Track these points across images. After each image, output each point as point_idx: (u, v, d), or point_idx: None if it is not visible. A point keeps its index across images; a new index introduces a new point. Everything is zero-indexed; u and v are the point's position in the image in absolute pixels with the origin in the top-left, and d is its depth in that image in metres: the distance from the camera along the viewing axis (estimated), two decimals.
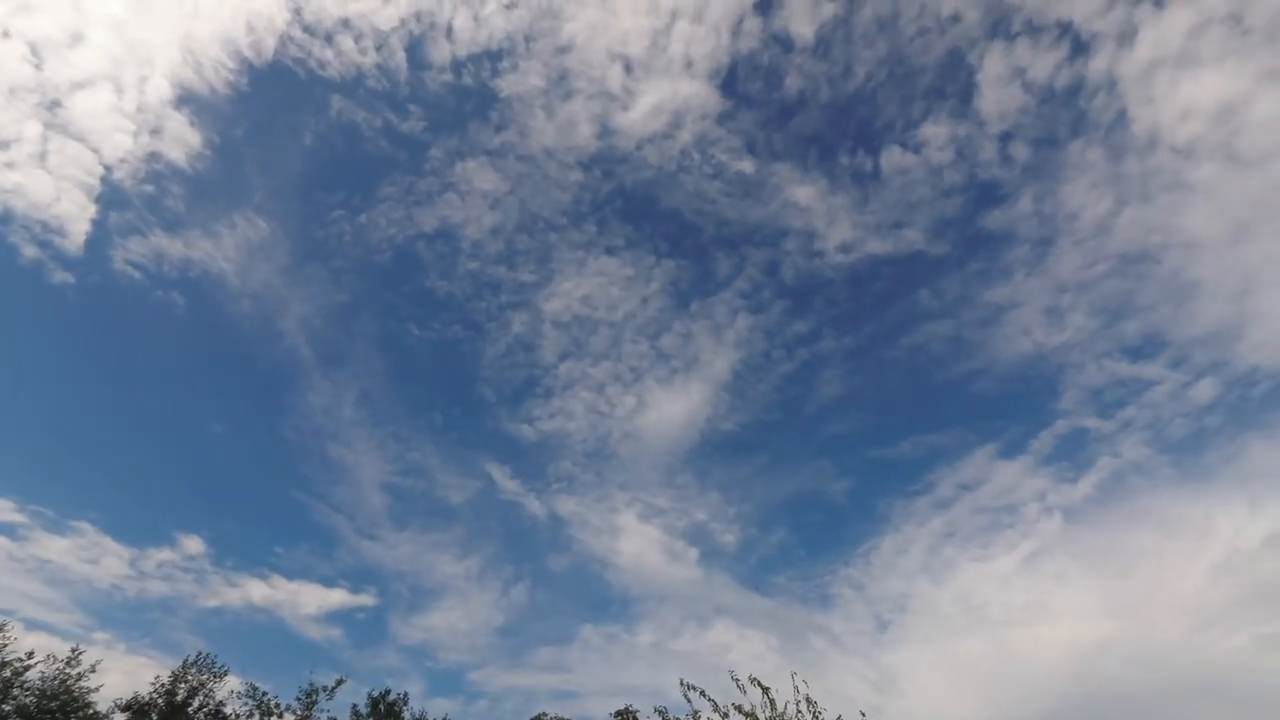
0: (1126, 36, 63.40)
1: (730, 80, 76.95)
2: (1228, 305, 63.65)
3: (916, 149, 73.91)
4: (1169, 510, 65.76)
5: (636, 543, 79.38)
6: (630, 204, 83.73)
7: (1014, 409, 75.79)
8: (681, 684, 14.68)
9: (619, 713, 14.64)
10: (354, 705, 20.44)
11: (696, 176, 79.98)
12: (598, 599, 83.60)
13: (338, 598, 72.67)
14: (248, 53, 68.62)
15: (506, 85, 75.40)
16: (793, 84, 76.42)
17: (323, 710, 18.72)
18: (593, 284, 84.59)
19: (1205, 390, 62.41)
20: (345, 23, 71.14)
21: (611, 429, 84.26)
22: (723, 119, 78.27)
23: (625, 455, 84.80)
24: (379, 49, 72.64)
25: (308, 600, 69.14)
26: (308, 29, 70.08)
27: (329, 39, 71.70)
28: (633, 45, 74.89)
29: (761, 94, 77.83)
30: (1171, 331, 66.00)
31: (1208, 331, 64.22)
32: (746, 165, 79.87)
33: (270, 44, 69.02)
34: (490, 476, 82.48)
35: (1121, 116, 64.97)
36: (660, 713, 14.65)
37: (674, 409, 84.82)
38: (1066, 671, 56.39)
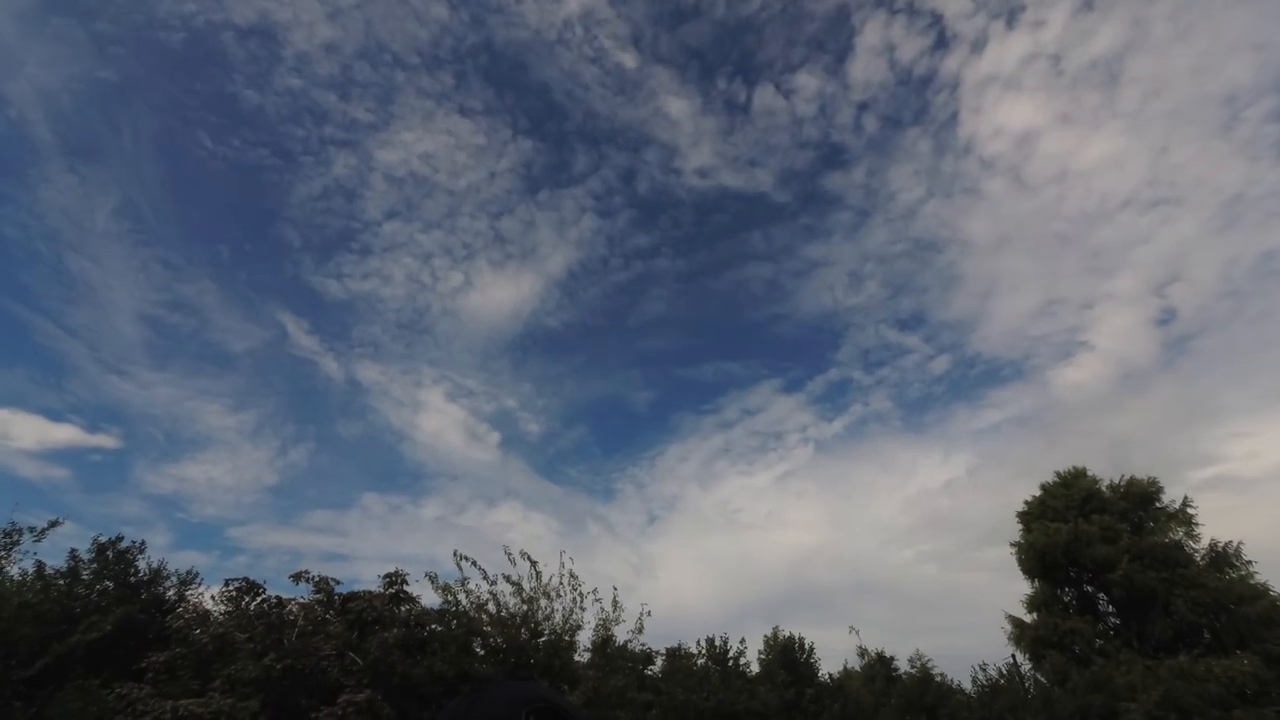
0: (978, 46, 67.97)
1: None
2: (975, 301, 76.16)
3: (787, 94, 76.11)
4: (890, 453, 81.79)
5: (439, 420, 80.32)
6: (497, 65, 76.61)
7: (803, 353, 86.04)
8: (455, 554, 15.08)
9: (388, 575, 14.82)
10: (73, 550, 16.37)
11: (575, 56, 75.82)
12: (386, 470, 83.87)
13: (66, 434, 64.71)
14: None
15: None
16: None
17: (25, 553, 15.07)
18: (438, 142, 76.90)
19: (941, 364, 75.59)
20: None
21: (432, 302, 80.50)
22: (615, 1, 74.11)
23: (442, 332, 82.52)
24: None
25: (22, 432, 60.26)
26: None
27: None
28: None
29: None
30: (933, 312, 77.53)
31: (956, 318, 76.66)
32: (629, 59, 76.71)
33: None
34: (284, 328, 75.40)
35: (954, 118, 70.94)
36: (430, 577, 14.99)
37: (502, 295, 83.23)
38: (786, 570, 69.12)
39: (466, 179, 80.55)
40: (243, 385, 78.98)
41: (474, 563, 15.07)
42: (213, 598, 14.88)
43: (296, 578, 14.17)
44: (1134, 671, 20.17)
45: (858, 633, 27.00)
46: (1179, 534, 22.91)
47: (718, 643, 22.50)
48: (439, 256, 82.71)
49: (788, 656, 22.40)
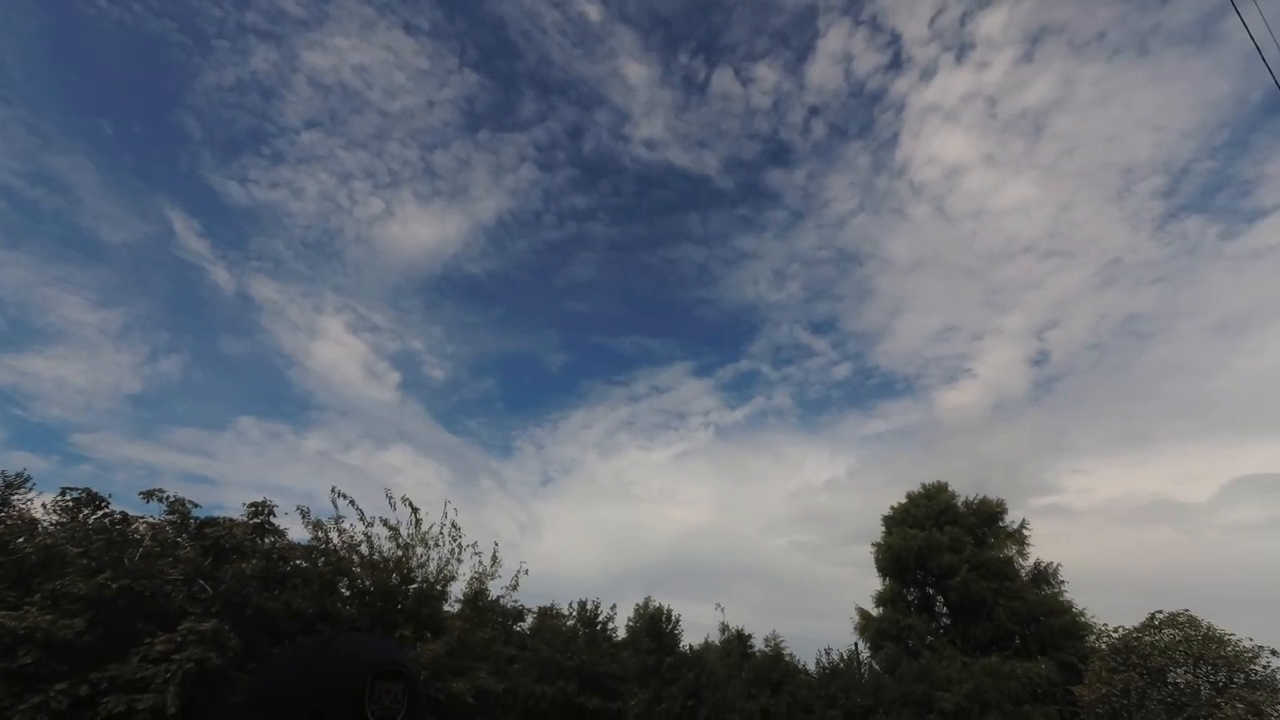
0: (928, 74, 72.27)
1: None
2: (883, 316, 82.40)
3: (746, 82, 77.50)
4: (783, 447, 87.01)
5: (336, 351, 77.44)
6: None
7: (719, 340, 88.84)
8: (333, 491, 14.41)
9: (253, 504, 13.95)
10: None
11: None
12: (270, 395, 79.89)
13: None
14: None
15: None
16: None
17: None
18: (375, 56, 71.36)
19: (843, 370, 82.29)
20: None
21: (345, 226, 76.04)
22: None
23: (353, 259, 78.68)
24: None
25: None
26: None
27: None
28: None
29: None
30: (844, 320, 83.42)
31: (865, 329, 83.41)
32: (593, 11, 74.91)
33: None
34: (170, 224, 68.91)
35: (894, 138, 75.61)
36: (301, 511, 14.25)
37: (424, 231, 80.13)
38: (670, 544, 71.53)
39: (402, 102, 75.26)
40: (113, 280, 70.83)
41: (352, 502, 14.49)
42: (44, 506, 13.43)
43: (148, 495, 13.00)
44: (952, 666, 22.63)
45: (723, 609, 28.56)
46: (1012, 551, 25.72)
47: (589, 607, 23.04)
48: (360, 179, 77.28)
49: (654, 626, 23.30)
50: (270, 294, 74.79)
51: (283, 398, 79.20)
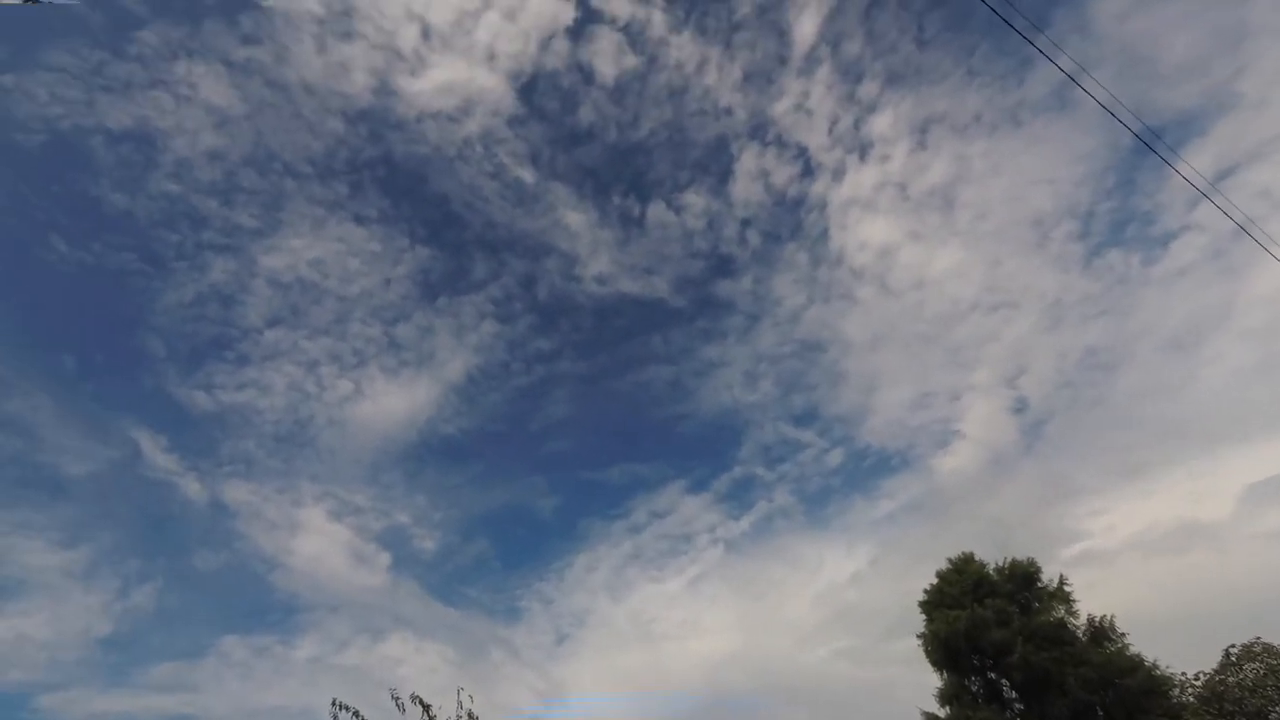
0: (838, 174, 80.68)
1: (529, 89, 76.71)
2: (860, 396, 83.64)
3: (678, 210, 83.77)
4: (796, 548, 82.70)
5: (319, 543, 73.13)
6: (395, 176, 76.98)
7: (707, 452, 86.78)
8: (333, 704, 13.01)
9: None
10: None
11: (475, 170, 76.76)
12: (253, 606, 73.66)
13: None
14: None
15: None
16: (585, 115, 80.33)
17: None
18: (329, 249, 73.83)
19: (836, 457, 78.96)
20: None
21: (316, 413, 75.12)
22: (514, 123, 76.68)
23: (326, 444, 77.01)
24: None
25: None
26: None
27: None
28: (436, 14, 70.64)
29: (556, 113, 78.62)
30: (824, 407, 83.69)
31: (846, 412, 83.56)
32: (527, 175, 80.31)
33: None
34: (136, 446, 65.28)
35: (825, 234, 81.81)
36: None
37: (396, 403, 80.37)
38: (701, 679, 65.11)
39: (360, 285, 78.62)
40: (76, 516, 67.76)
41: (356, 714, 13.04)
42: None
43: None
44: None
45: None
46: (1061, 612, 24.32)
47: None
48: (326, 364, 78.33)
49: None
50: (244, 496, 72.39)
51: (267, 606, 74.11)
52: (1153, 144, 11.01)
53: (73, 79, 57.43)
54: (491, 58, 75.82)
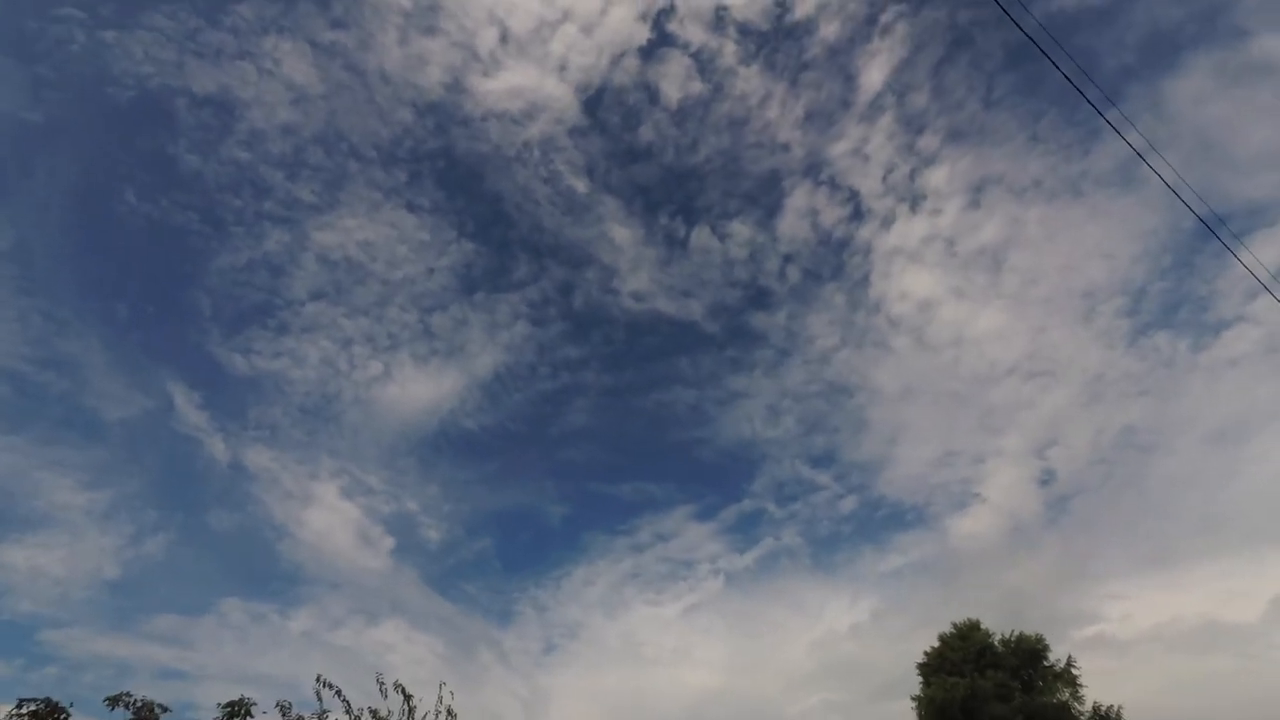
0: (887, 222, 79.76)
1: (594, 102, 77.74)
2: (881, 445, 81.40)
3: (723, 237, 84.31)
4: (799, 591, 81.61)
5: (328, 518, 73.48)
6: (454, 170, 78.43)
7: (719, 481, 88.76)
8: (318, 680, 13.12)
9: (229, 704, 12.71)
10: None
11: (530, 174, 77.73)
12: (258, 572, 73.98)
13: None
14: None
15: None
16: (645, 134, 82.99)
17: None
18: (380, 232, 74.87)
19: (849, 503, 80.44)
20: None
21: (344, 390, 77.00)
22: (574, 133, 77.65)
23: (349, 422, 78.28)
24: None
25: None
26: None
27: None
28: (516, 20, 72.01)
29: (616, 128, 79.94)
30: (843, 452, 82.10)
31: (865, 460, 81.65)
32: (580, 184, 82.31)
33: None
34: (170, 399, 65.54)
35: (866, 278, 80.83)
36: (281, 708, 12.85)
37: (421, 390, 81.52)
38: (683, 711, 64.42)
39: (404, 270, 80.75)
40: (105, 459, 69.73)
41: (338, 693, 13.11)
42: None
43: (113, 701, 11.74)
44: None
45: None
46: (1065, 695, 23.40)
47: None
48: (360, 344, 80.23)
49: None
50: (265, 462, 73.90)
51: (271, 574, 75.15)
52: (1216, 228, 10.73)
53: (167, 41, 59.81)
54: (563, 68, 78.19)
